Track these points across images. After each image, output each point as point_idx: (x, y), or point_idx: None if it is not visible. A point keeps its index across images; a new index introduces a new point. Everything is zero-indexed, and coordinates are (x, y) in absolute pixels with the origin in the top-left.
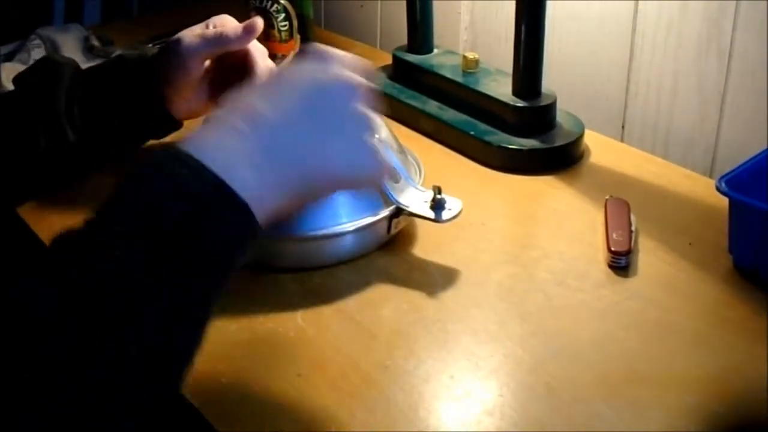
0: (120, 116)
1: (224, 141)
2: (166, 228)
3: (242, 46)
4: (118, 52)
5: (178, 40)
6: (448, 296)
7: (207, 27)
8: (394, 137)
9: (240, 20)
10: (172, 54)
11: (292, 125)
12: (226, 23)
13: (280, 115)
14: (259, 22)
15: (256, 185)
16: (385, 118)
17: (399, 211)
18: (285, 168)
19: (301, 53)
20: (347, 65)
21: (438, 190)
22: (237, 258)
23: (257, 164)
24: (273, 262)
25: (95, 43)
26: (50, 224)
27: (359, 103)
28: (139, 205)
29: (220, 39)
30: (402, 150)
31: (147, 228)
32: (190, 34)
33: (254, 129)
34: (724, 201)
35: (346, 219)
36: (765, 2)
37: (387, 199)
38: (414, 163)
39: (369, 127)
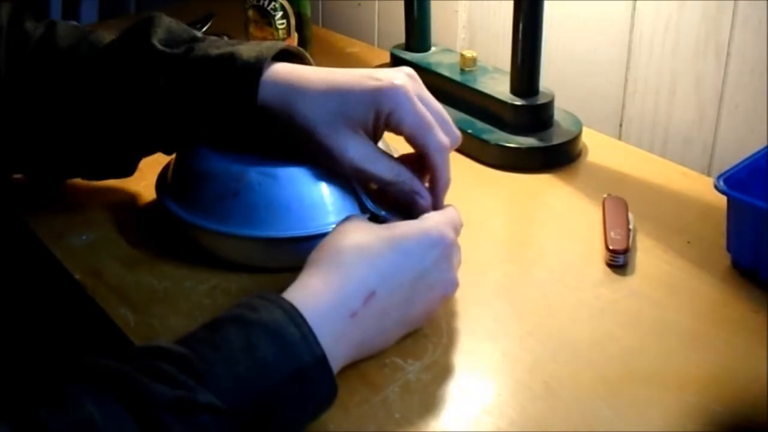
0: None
1: (335, 313)
2: (261, 388)
3: None
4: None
5: (342, 163)
6: None
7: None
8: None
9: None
10: (327, 156)
11: (391, 317)
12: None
13: (387, 301)
14: None
15: (347, 359)
16: None
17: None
18: (368, 347)
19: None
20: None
21: None
22: (306, 424)
23: (353, 344)
24: (272, 262)
25: None
26: (50, 224)
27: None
28: (244, 361)
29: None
30: (388, 150)
31: (244, 381)
32: (358, 163)
33: (366, 311)
34: (723, 199)
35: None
36: (764, 1)
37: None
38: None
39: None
